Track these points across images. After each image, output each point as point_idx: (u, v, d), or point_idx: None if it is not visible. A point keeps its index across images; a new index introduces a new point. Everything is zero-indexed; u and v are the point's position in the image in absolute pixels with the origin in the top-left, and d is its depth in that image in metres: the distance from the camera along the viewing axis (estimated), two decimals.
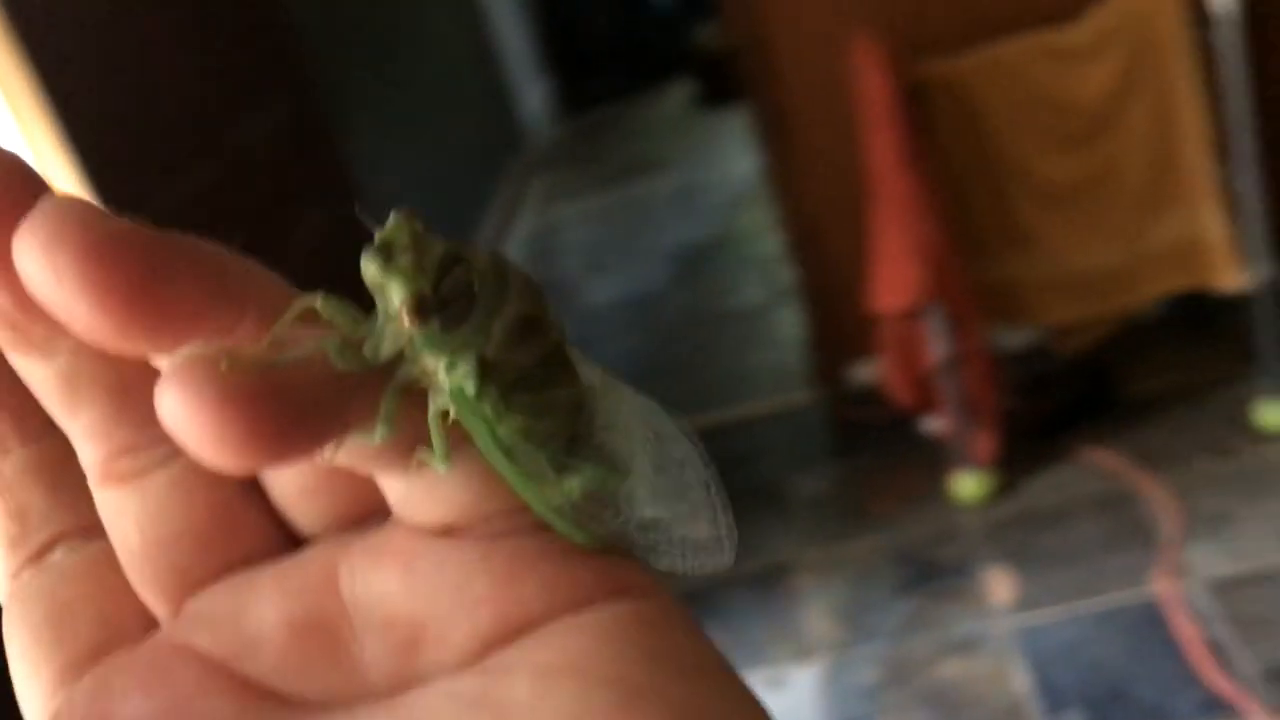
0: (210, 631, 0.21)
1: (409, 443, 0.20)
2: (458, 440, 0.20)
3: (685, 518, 0.23)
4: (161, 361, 0.18)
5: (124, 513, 0.21)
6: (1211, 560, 1.71)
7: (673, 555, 0.23)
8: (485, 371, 0.20)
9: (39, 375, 0.20)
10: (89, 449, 0.20)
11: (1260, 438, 1.90)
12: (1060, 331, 2.02)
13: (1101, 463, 1.95)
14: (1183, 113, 1.82)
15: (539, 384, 0.20)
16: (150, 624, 0.22)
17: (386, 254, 0.19)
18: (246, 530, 0.21)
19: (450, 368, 0.20)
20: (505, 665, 0.19)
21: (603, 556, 0.21)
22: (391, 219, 0.19)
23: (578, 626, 0.20)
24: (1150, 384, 2.10)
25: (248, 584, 0.21)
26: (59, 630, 0.21)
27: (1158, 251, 1.93)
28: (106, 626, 0.21)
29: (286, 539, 0.22)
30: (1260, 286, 1.88)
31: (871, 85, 1.78)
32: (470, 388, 0.20)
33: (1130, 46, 1.82)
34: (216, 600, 0.21)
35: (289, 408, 0.17)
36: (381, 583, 0.20)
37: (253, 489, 0.22)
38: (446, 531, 0.20)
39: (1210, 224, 1.88)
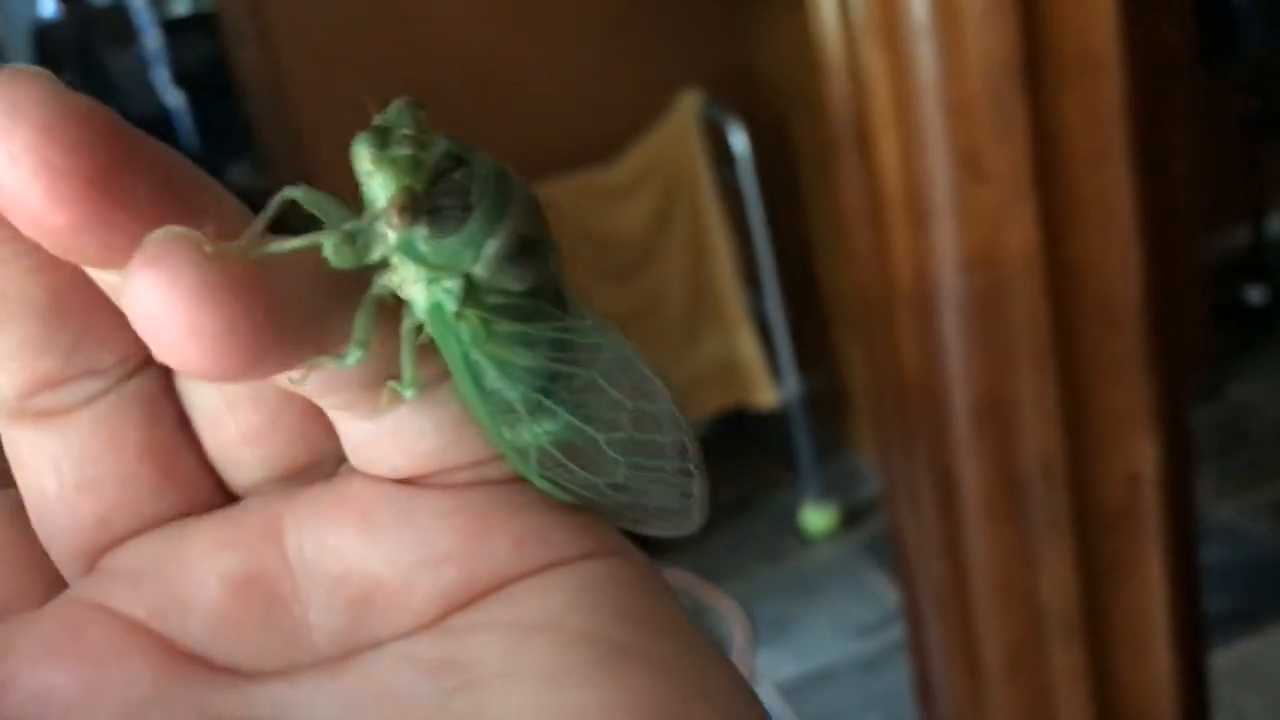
0: (131, 589, 0.18)
1: (381, 373, 0.18)
2: (430, 377, 0.18)
3: (658, 478, 0.21)
4: (102, 273, 0.16)
5: (39, 453, 0.18)
6: (777, 664, 1.80)
7: (641, 517, 0.21)
8: (469, 291, 0.18)
9: None
10: (4, 380, 0.18)
11: (807, 542, 2.05)
12: None
13: (675, 579, 2.01)
14: (712, 245, 1.97)
15: (525, 314, 0.18)
16: (51, 588, 0.19)
17: (381, 140, 0.17)
18: (178, 479, 0.19)
19: (430, 281, 0.17)
20: (470, 625, 0.18)
21: (574, 513, 0.19)
22: (394, 105, 0.17)
23: (550, 585, 0.18)
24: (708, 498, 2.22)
25: (177, 537, 0.19)
26: None
27: (701, 374, 2.06)
28: (1, 588, 0.19)
29: (219, 494, 0.19)
30: (792, 401, 2.05)
31: None
32: (450, 305, 0.18)
33: (662, 185, 1.95)
34: (140, 555, 0.19)
35: (273, 305, 0.15)
36: (335, 536, 0.18)
37: (185, 436, 0.19)
38: (407, 483, 0.19)
39: (744, 346, 2.04)
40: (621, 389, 0.20)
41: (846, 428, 2.23)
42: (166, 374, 0.19)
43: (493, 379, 0.19)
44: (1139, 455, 0.77)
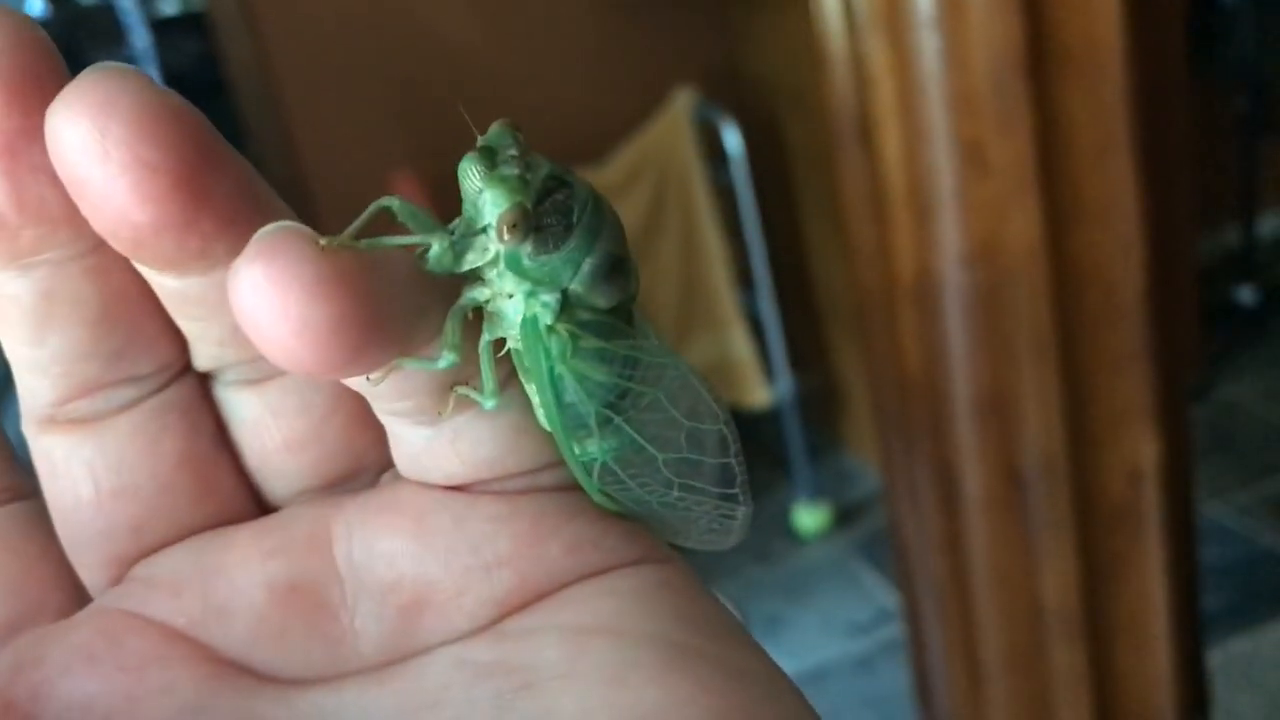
0: (169, 597, 0.18)
1: (450, 380, 0.18)
2: (500, 382, 0.18)
3: (704, 499, 0.21)
4: (163, 278, 0.16)
5: (75, 460, 0.18)
6: None
7: (687, 529, 0.22)
8: (564, 306, 0.18)
9: (8, 292, 0.17)
10: (44, 385, 0.18)
11: (800, 541, 2.05)
12: None
13: None
14: (705, 244, 1.96)
15: (606, 331, 0.19)
16: (69, 600, 0.19)
17: (490, 160, 0.17)
18: (214, 489, 0.19)
19: (529, 295, 0.18)
20: (526, 629, 0.18)
21: (624, 521, 0.20)
22: (496, 126, 0.18)
23: (605, 589, 0.18)
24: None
25: (217, 545, 0.18)
26: None
27: None
28: (17, 599, 0.19)
29: (255, 506, 0.19)
30: (784, 401, 2.04)
31: None
32: (546, 318, 0.18)
33: (655, 183, 1.94)
34: (177, 562, 0.18)
35: (379, 302, 0.15)
36: (386, 542, 0.18)
37: (223, 445, 0.19)
38: (458, 490, 0.19)
39: (736, 345, 2.03)
40: (680, 409, 0.21)
41: (839, 427, 2.23)
42: (204, 382, 0.19)
43: (571, 393, 0.19)
44: (1140, 451, 0.76)
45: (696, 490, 0.21)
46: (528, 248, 0.18)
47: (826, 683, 1.74)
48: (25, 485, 0.20)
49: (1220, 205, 2.39)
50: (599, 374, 0.19)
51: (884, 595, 1.86)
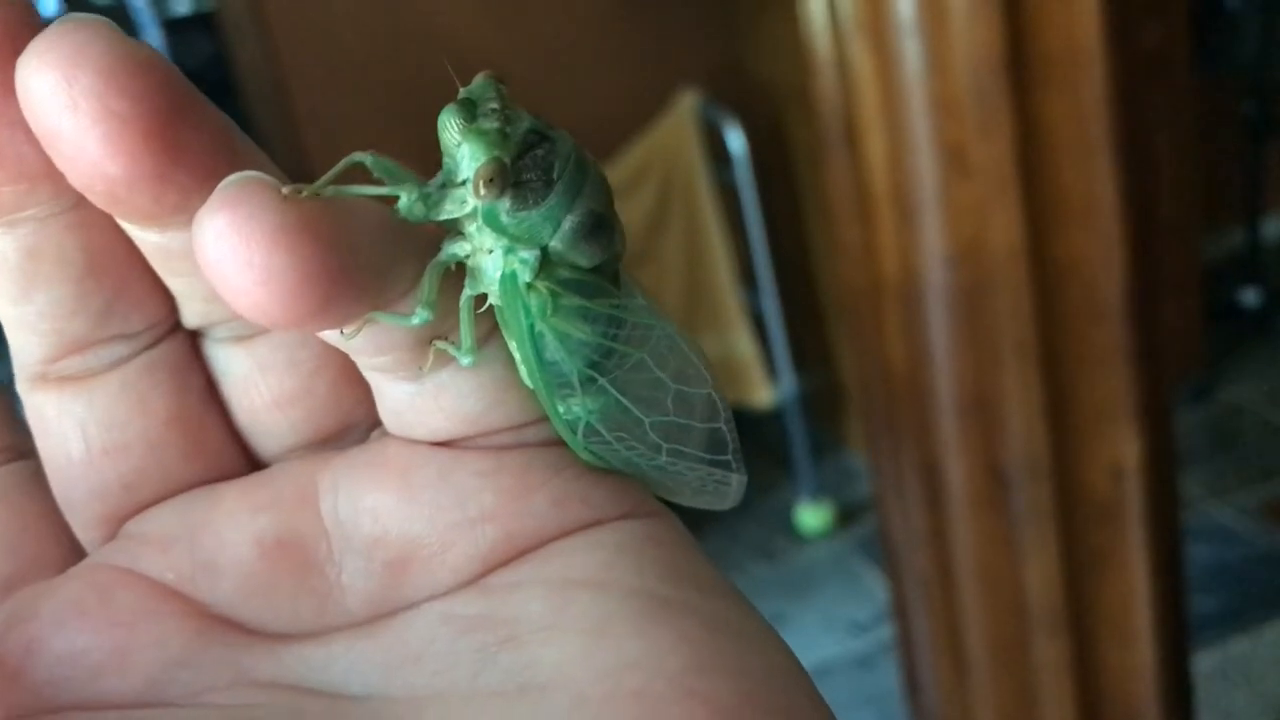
0: (160, 553, 0.18)
1: (429, 335, 0.18)
2: (479, 339, 0.18)
3: (697, 456, 0.21)
4: (145, 232, 0.16)
5: (65, 417, 0.18)
6: None
7: (680, 489, 0.22)
8: (543, 263, 0.18)
9: None
10: (34, 342, 0.18)
11: (802, 540, 2.06)
12: None
13: None
14: (709, 244, 1.98)
15: (588, 289, 0.19)
16: (67, 557, 0.19)
17: (469, 113, 0.17)
18: (204, 446, 0.19)
19: (507, 251, 0.18)
20: (511, 583, 0.18)
21: (612, 475, 0.20)
22: (479, 78, 0.17)
23: (591, 543, 0.18)
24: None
25: (206, 501, 0.19)
26: None
27: None
28: (15, 556, 0.19)
29: (245, 463, 0.19)
30: (787, 400, 2.05)
31: None
32: (525, 275, 0.18)
33: (659, 184, 1.96)
34: (168, 519, 0.19)
35: (346, 252, 0.15)
36: (372, 497, 0.18)
37: (213, 403, 0.19)
38: (445, 445, 0.18)
39: (740, 344, 2.04)
40: (667, 370, 0.20)
41: (842, 426, 2.24)
42: (194, 340, 0.19)
43: (553, 350, 0.19)
44: (1122, 449, 0.78)
45: (686, 455, 0.21)
46: (506, 203, 0.17)
47: (827, 680, 1.75)
48: (26, 444, 0.20)
49: (1225, 207, 2.39)
50: (581, 332, 0.19)
51: (885, 594, 1.87)
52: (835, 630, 1.84)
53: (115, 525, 0.19)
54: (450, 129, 0.17)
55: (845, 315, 0.94)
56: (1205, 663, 1.57)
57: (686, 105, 1.95)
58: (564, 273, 0.18)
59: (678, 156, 1.95)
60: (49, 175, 0.16)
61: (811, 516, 2.06)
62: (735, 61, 2.10)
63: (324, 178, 0.16)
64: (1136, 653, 0.84)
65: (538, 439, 0.19)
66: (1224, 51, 2.22)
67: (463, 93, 0.18)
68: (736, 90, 2.03)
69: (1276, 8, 2.20)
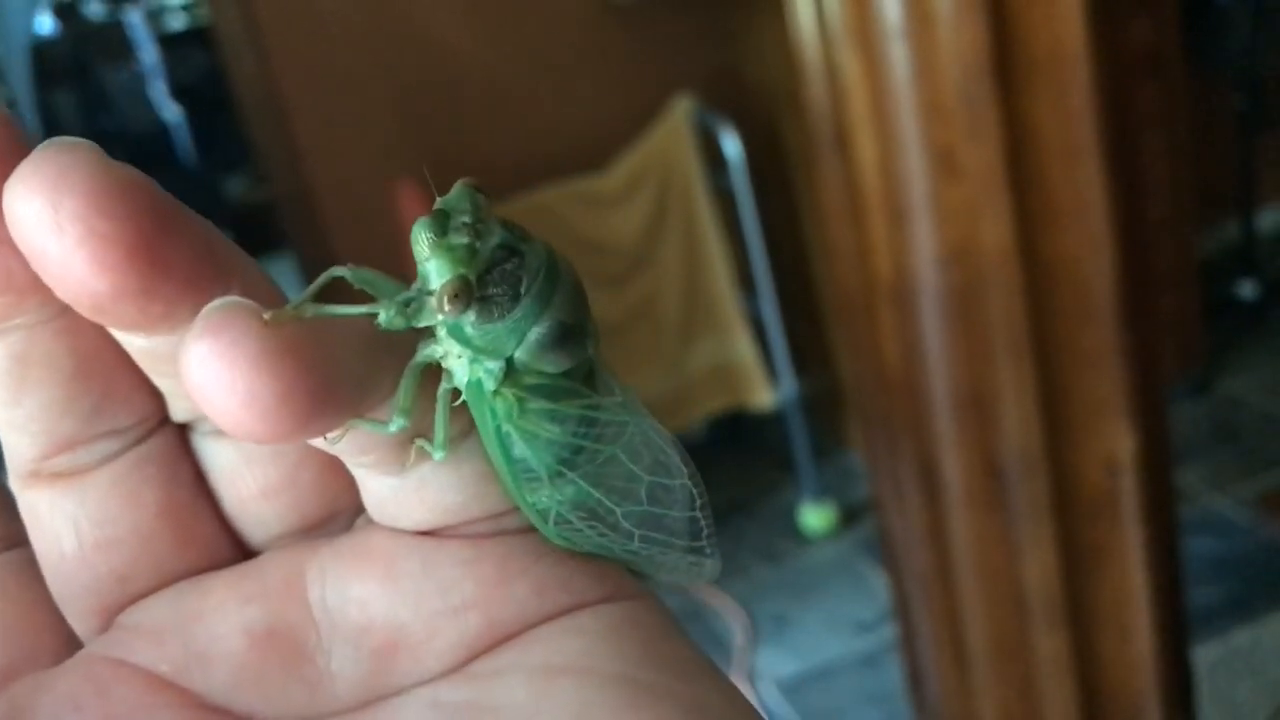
0: (152, 645, 0.19)
1: (411, 431, 0.18)
2: (456, 434, 0.19)
3: (668, 548, 0.22)
4: (131, 337, 0.17)
5: (58, 514, 0.19)
6: (778, 662, 1.82)
7: (654, 570, 0.22)
8: (507, 372, 0.19)
9: None
10: (25, 442, 0.18)
11: (806, 541, 2.07)
12: None
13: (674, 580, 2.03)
14: (707, 249, 1.99)
15: (558, 393, 0.19)
16: (64, 647, 0.19)
17: (441, 227, 0.17)
18: (195, 537, 0.19)
19: (473, 361, 0.18)
20: (495, 670, 0.18)
21: (591, 560, 0.20)
22: (457, 188, 0.18)
23: (572, 628, 0.19)
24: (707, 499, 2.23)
25: (197, 592, 0.19)
26: None
27: (698, 377, 2.08)
28: (12, 646, 0.19)
29: (236, 551, 0.20)
30: (788, 402, 2.06)
31: None
32: (489, 384, 0.18)
33: (656, 190, 1.97)
34: (159, 610, 0.19)
35: (326, 371, 0.16)
36: (358, 586, 0.19)
37: (202, 493, 0.20)
38: (428, 534, 0.19)
39: (740, 348, 2.05)
40: (641, 464, 0.21)
41: (843, 427, 2.25)
42: (182, 432, 0.19)
43: (520, 449, 0.19)
44: (1116, 444, 0.78)
45: (659, 542, 0.21)
46: (471, 317, 0.18)
47: (832, 680, 1.76)
48: (21, 533, 0.20)
49: (1220, 200, 2.40)
50: (548, 432, 0.19)
51: (889, 594, 1.88)
52: (840, 630, 1.85)
53: (110, 616, 0.19)
54: (420, 243, 0.17)
55: (840, 316, 0.95)
56: (1208, 654, 1.58)
57: (682, 111, 1.96)
58: (530, 379, 0.19)
59: (674, 162, 1.96)
60: (36, 287, 0.16)
61: (815, 517, 2.07)
62: (730, 66, 2.11)
63: (303, 295, 0.17)
64: (1135, 645, 0.84)
65: (518, 526, 0.20)
66: (1215, 46, 2.24)
67: (439, 203, 0.18)
68: (731, 95, 2.04)
69: (1267, 3, 2.21)
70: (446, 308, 0.17)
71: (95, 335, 0.18)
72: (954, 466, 0.81)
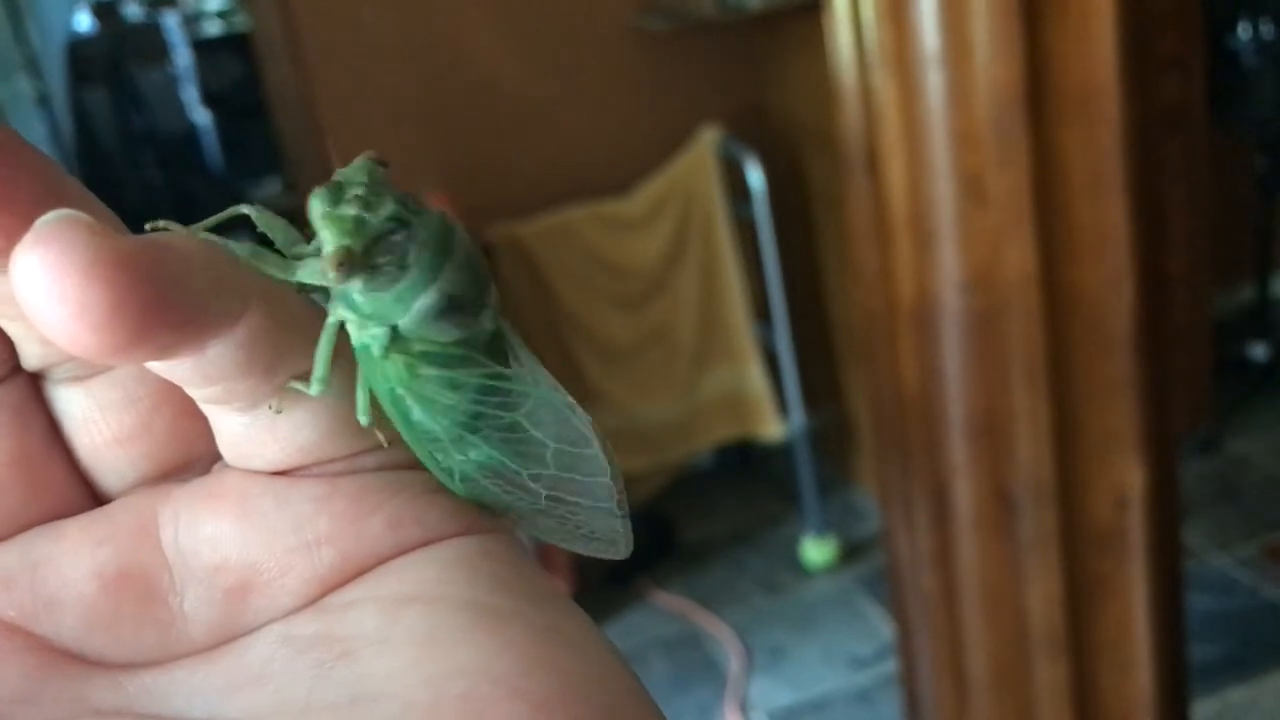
0: (1, 592, 0.19)
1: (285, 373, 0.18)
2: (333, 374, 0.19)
3: (584, 511, 0.22)
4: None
5: None
6: (772, 692, 1.82)
7: (570, 538, 0.22)
8: (394, 339, 0.19)
9: None
10: None
11: (806, 574, 2.07)
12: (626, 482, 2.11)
13: (669, 605, 2.04)
14: (725, 277, 2.00)
15: (452, 361, 0.20)
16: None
17: (334, 198, 0.18)
18: (48, 486, 0.19)
19: (360, 325, 0.19)
20: (346, 602, 0.19)
21: (450, 496, 0.20)
22: (357, 160, 0.18)
23: (424, 560, 0.19)
24: (708, 528, 2.24)
25: (47, 538, 0.19)
26: None
27: (708, 404, 2.09)
28: None
29: (90, 501, 0.20)
30: (797, 435, 2.07)
31: None
32: (376, 350, 0.19)
33: (678, 217, 1.99)
34: (8, 558, 0.19)
35: (159, 285, 0.15)
36: (211, 526, 0.19)
37: (55, 442, 0.19)
38: (282, 474, 0.19)
39: (752, 378, 2.07)
40: (546, 432, 0.21)
41: (850, 463, 2.25)
42: (34, 382, 0.19)
43: (418, 414, 0.20)
44: (1126, 478, 0.79)
45: (568, 503, 0.22)
46: (358, 285, 0.18)
47: (825, 714, 1.76)
48: None
49: (1236, 262, 2.41)
50: (446, 399, 0.20)
51: (886, 630, 1.87)
52: (836, 664, 1.85)
53: None
54: (314, 210, 0.18)
55: (860, 338, 0.97)
56: (1205, 710, 1.58)
57: (708, 141, 1.98)
58: (421, 346, 0.19)
59: (697, 190, 1.98)
60: None
61: (816, 551, 2.07)
62: (757, 99, 2.14)
63: (199, 224, 0.17)
64: (1135, 679, 0.85)
65: (374, 464, 0.20)
66: (1239, 107, 2.25)
67: (336, 174, 0.18)
68: (757, 128, 2.07)
69: None
70: (331, 275, 0.18)
71: None
72: (965, 491, 0.81)
